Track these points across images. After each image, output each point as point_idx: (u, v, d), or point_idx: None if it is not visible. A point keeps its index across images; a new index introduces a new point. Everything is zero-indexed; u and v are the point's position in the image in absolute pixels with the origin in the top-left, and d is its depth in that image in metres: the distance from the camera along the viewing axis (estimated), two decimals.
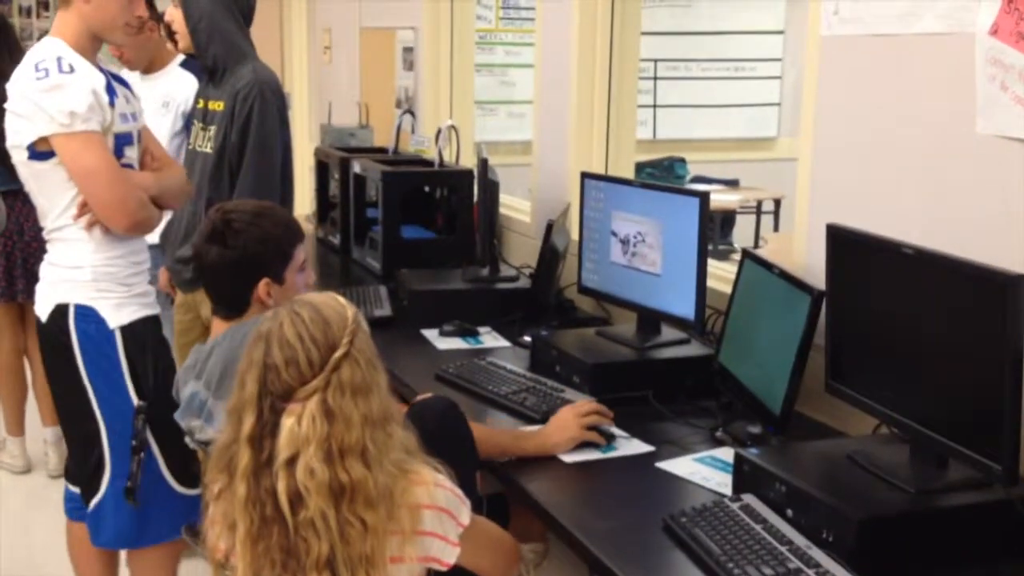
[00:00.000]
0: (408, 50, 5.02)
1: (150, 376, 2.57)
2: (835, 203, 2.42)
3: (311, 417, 1.61)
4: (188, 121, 3.61)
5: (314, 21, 6.92)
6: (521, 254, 3.77)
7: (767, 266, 2.39)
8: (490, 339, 3.11)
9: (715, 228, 6.76)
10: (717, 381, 2.52)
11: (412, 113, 4.82)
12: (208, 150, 3.25)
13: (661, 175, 7.08)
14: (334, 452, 1.60)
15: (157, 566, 2.71)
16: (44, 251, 2.63)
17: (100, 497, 2.61)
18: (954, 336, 1.80)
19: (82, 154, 2.42)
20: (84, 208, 2.50)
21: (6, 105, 2.50)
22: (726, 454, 2.20)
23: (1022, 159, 1.98)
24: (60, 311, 2.54)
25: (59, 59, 2.43)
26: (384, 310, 3.28)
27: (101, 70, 2.54)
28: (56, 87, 2.40)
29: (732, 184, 7.31)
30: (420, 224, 4.05)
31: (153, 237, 3.63)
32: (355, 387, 1.64)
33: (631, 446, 2.31)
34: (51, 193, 2.51)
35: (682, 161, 7.29)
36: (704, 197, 2.61)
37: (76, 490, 2.76)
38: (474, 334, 3.12)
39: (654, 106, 7.29)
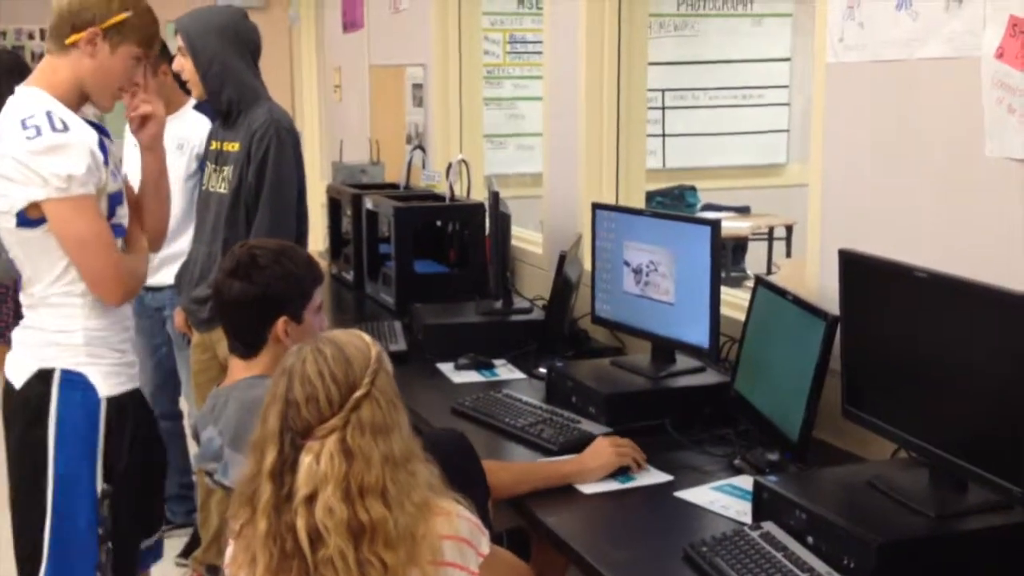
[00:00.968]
0: (417, 86, 5.07)
1: (124, 457, 2.38)
2: (847, 228, 2.43)
3: (329, 455, 1.61)
4: (202, 163, 3.64)
5: (324, 59, 6.98)
6: (534, 286, 3.78)
7: (780, 292, 2.39)
8: (505, 371, 3.11)
9: (727, 255, 6.77)
10: (733, 409, 2.52)
11: (422, 148, 4.85)
12: (223, 191, 3.28)
13: (672, 204, 7.09)
14: (353, 491, 1.61)
15: None
16: None
17: None
18: (970, 358, 1.80)
19: (76, 221, 2.24)
20: None
21: None
22: (745, 482, 2.20)
23: None
24: (42, 376, 2.33)
25: (49, 114, 2.23)
26: (399, 345, 3.29)
27: (89, 123, 2.33)
28: (51, 148, 2.20)
29: (743, 211, 7.32)
30: (433, 258, 4.07)
31: (168, 278, 3.69)
32: (375, 427, 1.64)
33: (649, 476, 2.31)
34: (40, 261, 2.31)
35: (692, 189, 7.31)
36: (715, 225, 2.62)
37: None
38: (489, 367, 3.13)
39: (663, 135, 7.32)
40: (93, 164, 2.24)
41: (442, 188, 4.23)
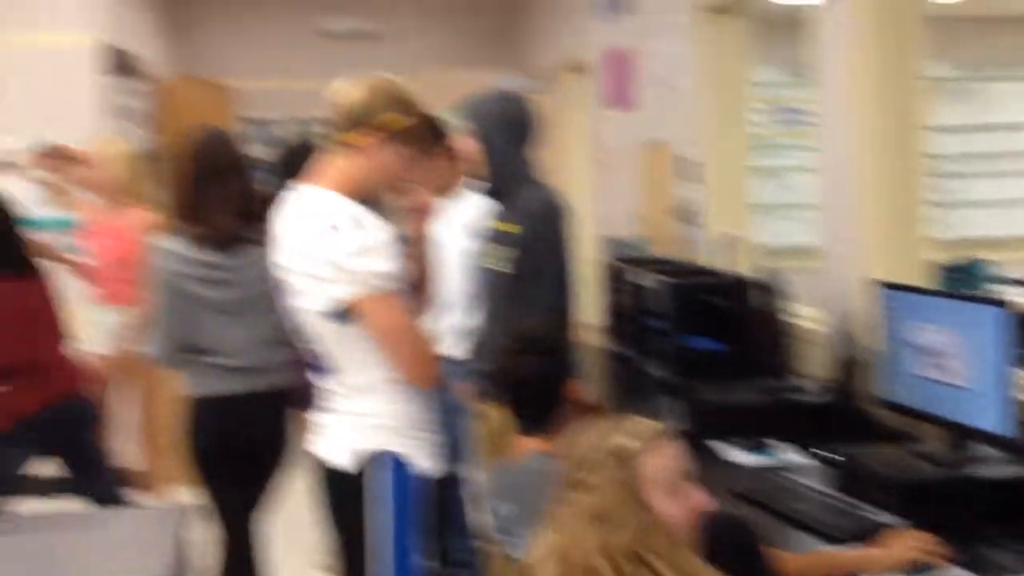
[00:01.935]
0: (685, 160, 5.07)
1: (443, 536, 2.53)
2: None
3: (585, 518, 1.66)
4: (479, 241, 3.78)
5: (592, 136, 7.13)
6: (812, 364, 3.66)
7: None
8: (786, 454, 3.02)
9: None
10: None
11: (692, 222, 4.83)
12: (497, 268, 3.38)
13: (961, 278, 6.71)
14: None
15: None
16: None
17: None
18: None
19: (384, 314, 2.36)
20: None
21: (282, 261, 2.45)
22: None
23: None
24: (360, 456, 2.45)
25: (350, 216, 2.36)
26: (674, 423, 3.26)
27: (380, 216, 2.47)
28: (359, 250, 2.32)
29: None
30: (707, 334, 4.02)
31: (443, 350, 3.83)
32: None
33: (951, 575, 2.17)
34: (352, 352, 2.42)
35: (984, 262, 6.90)
36: (1008, 304, 2.47)
37: None
38: (769, 449, 3.04)
39: (949, 205, 6.98)
40: (396, 259, 2.38)
41: (713, 262, 4.19)
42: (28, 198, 4.91)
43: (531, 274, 3.25)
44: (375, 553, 2.43)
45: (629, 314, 4.25)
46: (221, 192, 3.26)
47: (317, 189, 2.43)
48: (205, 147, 3.35)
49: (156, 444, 4.86)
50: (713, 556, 1.75)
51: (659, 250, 5.05)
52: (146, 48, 7.35)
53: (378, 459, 2.42)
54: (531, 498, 2.15)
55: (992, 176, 7.02)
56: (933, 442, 2.70)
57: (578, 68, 7.35)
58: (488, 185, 3.45)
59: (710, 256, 4.33)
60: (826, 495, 2.55)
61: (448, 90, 5.92)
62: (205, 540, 3.28)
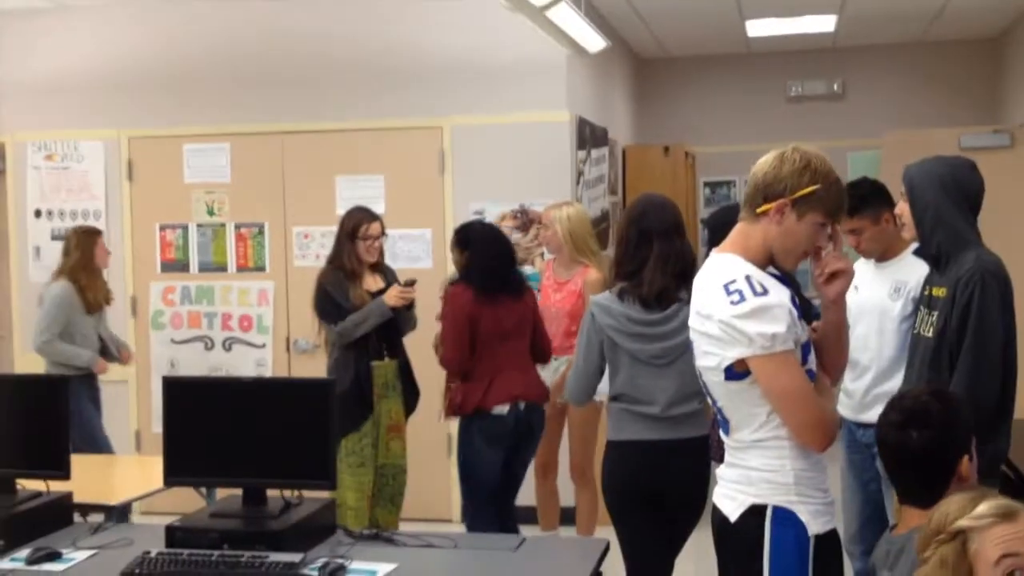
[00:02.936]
0: None
1: None
2: None
3: None
4: (917, 306, 3.72)
5: None
6: None
7: None
8: None
9: None
10: None
11: None
12: (929, 335, 3.32)
13: None
14: None
15: None
16: None
17: None
18: None
19: (779, 375, 2.40)
20: None
21: (691, 321, 2.55)
22: None
23: None
24: (756, 511, 2.48)
25: (749, 279, 2.42)
26: None
27: (778, 277, 2.51)
28: (755, 311, 2.38)
29: None
30: None
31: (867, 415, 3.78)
32: None
33: None
34: (746, 409, 2.49)
35: None
36: None
37: None
38: None
39: None
40: (791, 321, 2.41)
41: None
42: None
43: (956, 342, 3.17)
44: None
45: None
46: (657, 253, 3.55)
47: (726, 254, 2.53)
48: (645, 211, 3.65)
49: (583, 483, 5.21)
50: None
51: None
52: (615, 119, 7.91)
53: (766, 513, 2.47)
54: (906, 571, 2.15)
55: None
56: None
57: None
58: (926, 248, 3.42)
59: None
60: None
61: (912, 150, 5.83)
62: None
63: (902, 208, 3.54)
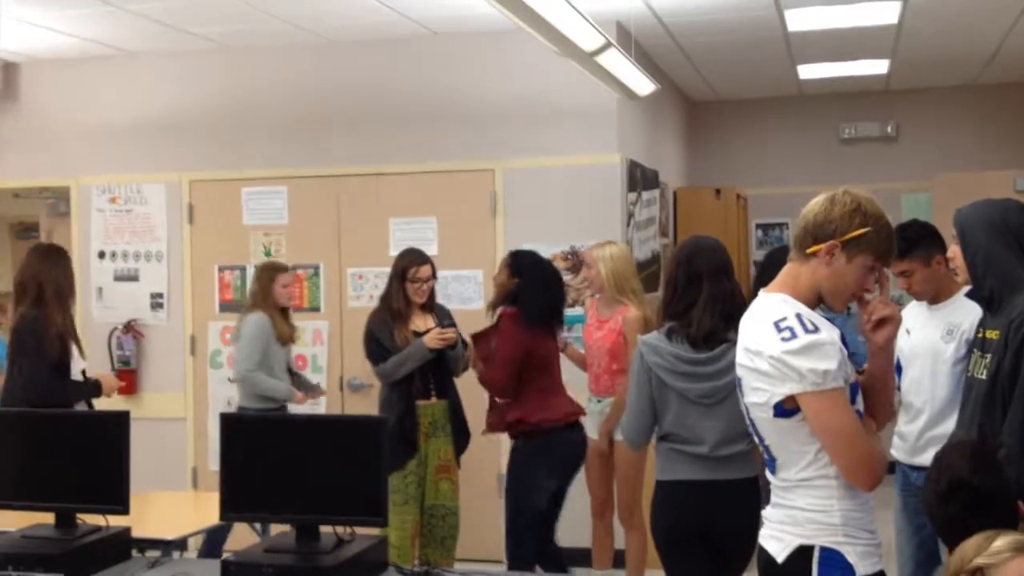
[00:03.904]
0: None
1: None
2: None
3: None
4: (970, 349, 3.71)
5: None
6: None
7: None
8: None
9: None
10: None
11: None
12: (982, 377, 3.31)
13: None
14: None
15: None
16: None
17: None
18: None
19: (829, 413, 2.40)
20: None
21: (738, 359, 2.56)
22: None
23: None
24: (803, 552, 2.47)
25: (799, 316, 2.43)
26: None
27: (827, 319, 2.51)
28: (806, 347, 2.38)
29: None
30: None
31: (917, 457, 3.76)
32: None
33: None
34: (793, 447, 2.49)
35: None
36: None
37: None
38: None
39: None
40: (842, 359, 2.41)
41: None
42: None
43: (1009, 384, 3.15)
44: None
45: None
46: (707, 294, 3.58)
47: (774, 294, 2.56)
48: (694, 254, 3.69)
49: (631, 525, 5.20)
50: None
51: None
52: (666, 161, 7.96)
53: (813, 554, 2.46)
54: None
55: None
56: None
57: None
58: (978, 291, 3.41)
59: None
60: None
61: (964, 192, 5.82)
62: None
63: (954, 251, 3.55)
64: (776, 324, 2.44)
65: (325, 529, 3.20)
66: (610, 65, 5.27)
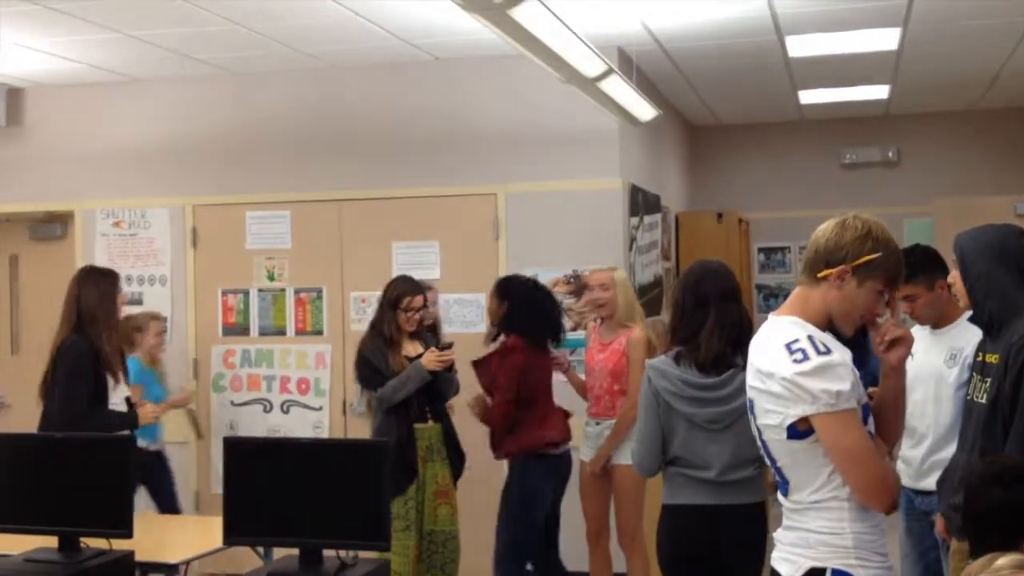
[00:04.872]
0: None
1: None
2: None
3: None
4: (966, 372, 3.72)
5: None
6: None
7: None
8: None
9: None
10: None
11: None
12: (983, 401, 3.32)
13: None
14: None
15: None
16: None
17: None
18: None
19: (844, 434, 2.41)
20: None
21: (749, 381, 2.57)
22: None
23: None
24: (814, 574, 2.47)
25: (811, 339, 2.44)
26: None
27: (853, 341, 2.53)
28: (819, 369, 2.40)
29: None
30: None
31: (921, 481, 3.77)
32: None
33: None
34: (806, 469, 2.49)
35: None
36: None
37: None
38: None
39: None
40: (855, 380, 2.43)
41: None
42: None
43: (1009, 408, 3.16)
44: None
45: None
46: (715, 318, 3.59)
47: (785, 317, 2.56)
48: (701, 278, 3.69)
49: (632, 550, 5.19)
50: None
51: None
52: (668, 185, 7.99)
53: None
54: None
55: None
56: None
57: None
58: (978, 316, 3.42)
59: None
60: None
61: (965, 216, 5.85)
62: None
63: (954, 277, 3.56)
64: (788, 346, 2.45)
65: (328, 553, 3.21)
66: (612, 91, 5.30)
